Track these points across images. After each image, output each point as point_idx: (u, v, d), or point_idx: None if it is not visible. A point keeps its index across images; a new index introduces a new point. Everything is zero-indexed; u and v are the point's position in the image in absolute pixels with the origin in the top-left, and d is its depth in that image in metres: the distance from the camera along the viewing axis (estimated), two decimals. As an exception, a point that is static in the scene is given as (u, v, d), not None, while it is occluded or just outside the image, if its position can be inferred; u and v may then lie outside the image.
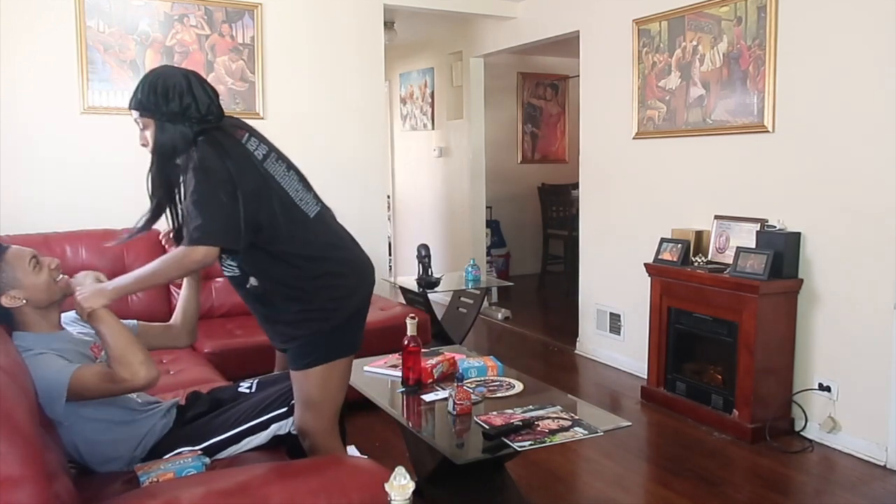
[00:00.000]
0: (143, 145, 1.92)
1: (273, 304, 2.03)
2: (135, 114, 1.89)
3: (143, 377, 1.73)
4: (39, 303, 1.82)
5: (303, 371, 2.00)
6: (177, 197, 1.97)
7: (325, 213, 2.07)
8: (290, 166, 2.03)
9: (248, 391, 2.14)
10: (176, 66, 1.93)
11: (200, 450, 1.93)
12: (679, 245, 3.80)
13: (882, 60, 3.01)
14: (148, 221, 1.99)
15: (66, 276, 1.90)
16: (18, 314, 1.82)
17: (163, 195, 1.95)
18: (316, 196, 2.06)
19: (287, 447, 2.09)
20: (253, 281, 1.98)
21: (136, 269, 1.91)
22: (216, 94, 1.94)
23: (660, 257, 3.89)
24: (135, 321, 2.13)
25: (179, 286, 2.37)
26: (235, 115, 2.18)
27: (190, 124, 1.85)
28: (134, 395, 1.98)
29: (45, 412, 1.71)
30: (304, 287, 1.98)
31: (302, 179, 2.04)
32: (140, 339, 2.11)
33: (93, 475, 1.88)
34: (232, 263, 1.99)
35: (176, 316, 2.22)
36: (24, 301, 1.80)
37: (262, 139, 2.00)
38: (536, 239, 7.68)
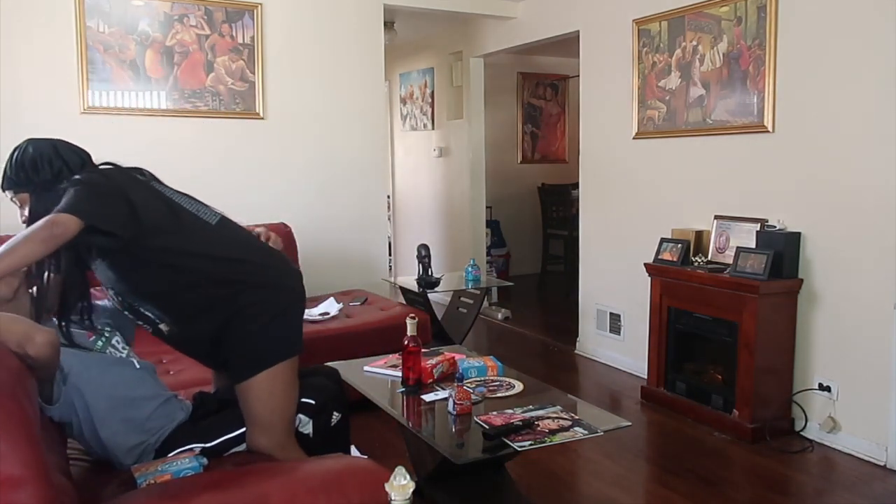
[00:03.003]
0: (24, 222, 1.82)
1: (197, 328, 1.97)
2: (9, 194, 1.84)
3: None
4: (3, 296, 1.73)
5: (246, 383, 1.93)
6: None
7: (227, 222, 2.03)
8: (178, 191, 2.01)
9: None
10: (39, 137, 1.89)
11: (211, 447, 1.95)
12: (679, 245, 3.80)
13: (882, 60, 3.01)
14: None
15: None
16: None
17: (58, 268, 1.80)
18: (213, 210, 2.02)
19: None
20: (163, 327, 1.96)
21: None
22: (88, 155, 1.91)
23: (660, 257, 3.89)
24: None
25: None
26: (235, 114, 2.17)
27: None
28: (137, 367, 1.98)
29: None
30: (218, 294, 1.93)
31: (193, 198, 2.02)
32: None
33: (91, 474, 1.88)
34: (149, 314, 1.94)
35: None
36: None
37: (152, 178, 1.99)
38: (536, 239, 7.68)
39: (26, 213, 1.82)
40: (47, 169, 1.80)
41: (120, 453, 1.88)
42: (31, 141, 1.85)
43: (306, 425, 2.11)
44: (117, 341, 2.00)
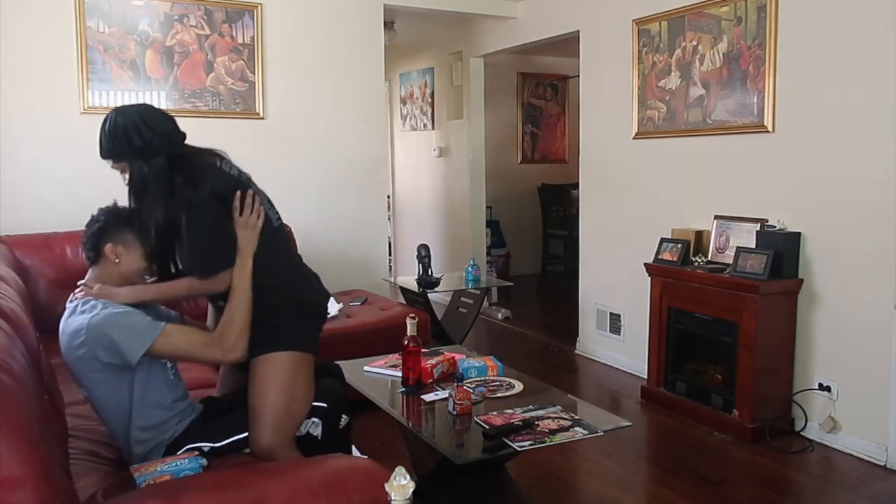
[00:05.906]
0: (127, 185, 1.99)
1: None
2: (110, 163, 1.97)
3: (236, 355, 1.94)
4: (124, 275, 1.96)
5: (267, 355, 1.99)
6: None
7: (283, 228, 2.17)
8: (258, 189, 2.12)
9: None
10: (126, 105, 2.02)
11: (220, 447, 1.97)
12: (679, 245, 3.80)
13: (882, 60, 3.00)
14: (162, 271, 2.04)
15: (147, 278, 2.03)
16: (106, 269, 1.94)
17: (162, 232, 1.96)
18: (277, 213, 2.16)
19: (304, 448, 2.10)
20: None
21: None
22: (173, 120, 2.01)
23: (660, 257, 3.89)
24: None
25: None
26: (235, 114, 2.20)
27: (157, 155, 1.94)
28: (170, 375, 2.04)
29: (119, 356, 1.81)
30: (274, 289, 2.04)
31: (266, 198, 2.14)
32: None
33: (91, 474, 1.88)
34: None
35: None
36: (117, 261, 1.94)
37: (232, 164, 2.10)
38: (536, 239, 7.68)
39: (127, 178, 1.97)
40: (138, 138, 1.91)
41: (133, 443, 1.91)
42: (118, 111, 1.97)
43: (316, 427, 2.12)
44: None
